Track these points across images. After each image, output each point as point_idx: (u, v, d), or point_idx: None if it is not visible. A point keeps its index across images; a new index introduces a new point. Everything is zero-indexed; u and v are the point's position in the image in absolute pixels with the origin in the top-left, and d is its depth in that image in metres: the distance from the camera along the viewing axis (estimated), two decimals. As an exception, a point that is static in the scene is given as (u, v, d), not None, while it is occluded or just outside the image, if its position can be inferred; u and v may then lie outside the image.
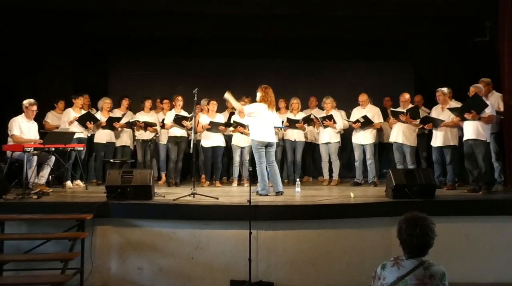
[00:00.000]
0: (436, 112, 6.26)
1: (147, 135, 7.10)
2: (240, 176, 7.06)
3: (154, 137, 7.08)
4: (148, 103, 7.32)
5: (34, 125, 6.06)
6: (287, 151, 7.20)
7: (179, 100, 6.91)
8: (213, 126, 6.84)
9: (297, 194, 5.66)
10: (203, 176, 7.12)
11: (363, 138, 6.79)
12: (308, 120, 7.15)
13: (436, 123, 6.08)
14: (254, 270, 4.45)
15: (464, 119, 5.64)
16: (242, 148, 6.93)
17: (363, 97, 6.89)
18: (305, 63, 8.62)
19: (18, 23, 6.99)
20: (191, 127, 6.58)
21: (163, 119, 7.12)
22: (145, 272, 4.69)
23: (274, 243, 4.68)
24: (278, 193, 5.57)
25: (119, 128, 7.07)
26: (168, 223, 4.74)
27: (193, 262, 4.68)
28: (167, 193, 5.61)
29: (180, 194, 5.27)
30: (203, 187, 6.68)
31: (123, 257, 4.73)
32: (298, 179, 6.21)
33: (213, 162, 7.00)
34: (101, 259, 4.70)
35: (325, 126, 6.92)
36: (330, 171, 7.12)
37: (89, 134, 6.89)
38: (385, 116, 6.91)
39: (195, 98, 5.61)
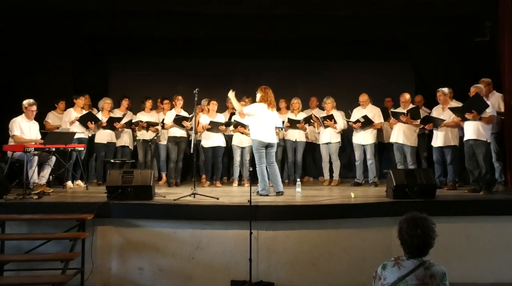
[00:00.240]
0: (436, 113, 6.26)
1: (148, 135, 7.10)
2: (240, 176, 7.06)
3: (155, 138, 7.08)
4: (148, 103, 7.31)
5: (35, 125, 6.06)
6: (287, 151, 7.20)
7: (179, 100, 6.91)
8: (213, 127, 6.84)
9: (298, 194, 5.66)
10: (203, 176, 7.12)
11: (364, 138, 6.80)
12: (309, 120, 7.15)
13: (437, 123, 6.08)
14: (254, 270, 4.45)
15: (465, 119, 5.64)
16: (243, 148, 6.93)
17: (363, 98, 6.89)
18: (305, 63, 8.61)
19: (18, 23, 6.99)
20: (191, 128, 6.60)
21: (163, 120, 7.12)
22: (145, 272, 4.69)
23: (274, 243, 4.69)
24: (279, 193, 5.58)
25: (120, 129, 7.07)
26: (168, 223, 4.74)
27: (194, 262, 4.68)
28: (168, 193, 5.61)
29: (180, 194, 5.27)
30: (204, 187, 6.69)
31: (123, 257, 4.73)
32: (298, 179, 6.22)
33: (213, 162, 6.99)
34: (102, 259, 4.70)
35: (325, 126, 6.92)
36: (331, 171, 7.13)
37: (90, 135, 6.89)
38: (386, 116, 6.92)
39: (196, 98, 5.61)
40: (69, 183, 6.49)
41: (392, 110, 6.88)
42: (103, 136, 7.00)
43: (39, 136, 6.02)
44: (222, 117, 7.07)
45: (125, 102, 7.39)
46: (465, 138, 5.71)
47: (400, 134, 6.47)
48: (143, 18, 7.43)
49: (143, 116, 7.20)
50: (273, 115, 5.73)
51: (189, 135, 7.03)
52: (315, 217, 4.79)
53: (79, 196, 5.59)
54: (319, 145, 7.23)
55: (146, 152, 7.24)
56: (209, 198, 5.13)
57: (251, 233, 4.33)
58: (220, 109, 7.27)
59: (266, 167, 5.63)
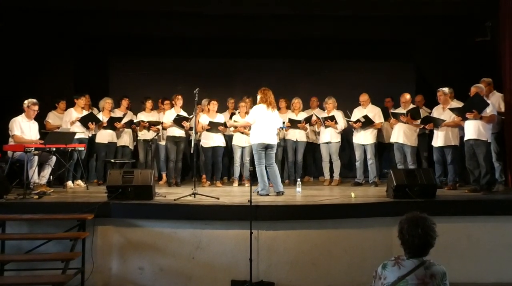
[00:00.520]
0: (437, 112, 6.26)
1: (150, 135, 7.10)
2: (241, 176, 7.06)
3: (156, 137, 7.08)
4: (149, 103, 7.31)
5: (35, 125, 6.06)
6: (288, 151, 7.20)
7: (179, 99, 6.90)
8: (213, 127, 6.84)
9: (298, 194, 5.66)
10: (204, 176, 7.12)
11: (364, 138, 6.80)
12: (309, 120, 7.15)
13: (437, 123, 6.08)
14: (255, 270, 4.46)
15: (465, 119, 5.63)
16: (243, 148, 6.93)
17: (364, 97, 6.89)
18: (305, 63, 8.62)
19: (18, 23, 6.99)
20: (191, 127, 6.59)
21: (164, 120, 7.13)
22: (146, 272, 4.69)
23: (275, 243, 4.68)
24: (279, 193, 5.58)
25: (120, 129, 7.07)
26: (169, 223, 4.74)
27: (194, 262, 4.68)
28: (168, 193, 5.61)
29: (181, 194, 5.27)
30: (204, 187, 6.69)
31: (124, 257, 4.73)
32: (299, 179, 6.21)
33: (213, 162, 6.99)
34: (102, 259, 4.70)
35: (326, 126, 6.92)
36: (331, 170, 7.13)
37: (90, 135, 6.89)
38: (386, 116, 6.92)
39: (196, 98, 5.61)
40: (70, 183, 6.49)
41: (392, 111, 6.88)
42: (104, 136, 7.00)
43: (38, 137, 6.01)
44: (222, 118, 7.06)
45: (125, 102, 7.39)
46: (465, 138, 5.71)
47: (401, 134, 6.47)
48: (143, 18, 7.43)
49: (144, 117, 7.20)
50: (273, 116, 5.71)
51: (188, 135, 7.03)
52: (315, 217, 4.79)
53: (79, 196, 5.59)
54: (319, 144, 7.23)
55: (146, 151, 7.25)
56: (209, 198, 5.13)
57: (251, 233, 4.33)
58: (220, 110, 7.27)
59: (266, 167, 5.63)
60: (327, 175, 7.19)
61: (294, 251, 4.68)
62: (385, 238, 4.68)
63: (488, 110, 5.51)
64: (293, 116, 7.13)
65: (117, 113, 7.24)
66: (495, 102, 5.96)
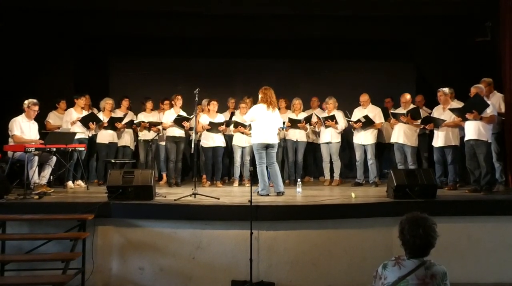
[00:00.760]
0: (437, 113, 6.26)
1: (150, 135, 7.09)
2: (241, 176, 7.06)
3: (156, 138, 7.08)
4: (149, 104, 7.31)
5: (35, 126, 6.06)
6: (288, 151, 7.20)
7: (179, 99, 6.90)
8: (213, 127, 6.84)
9: (298, 194, 5.67)
10: (204, 176, 7.12)
11: (364, 138, 6.79)
12: (309, 120, 7.15)
13: (438, 123, 6.08)
14: (255, 270, 4.45)
15: (466, 119, 5.63)
16: (243, 148, 6.93)
17: (364, 98, 6.89)
18: (305, 63, 8.62)
19: (18, 23, 6.99)
20: (190, 128, 6.59)
21: (164, 120, 7.13)
22: (146, 272, 4.69)
23: (275, 243, 4.69)
24: (279, 193, 5.57)
25: (121, 129, 7.07)
26: (169, 223, 4.74)
27: (194, 262, 4.68)
28: (168, 193, 5.62)
29: (181, 194, 5.27)
30: (204, 187, 6.69)
31: (124, 257, 4.73)
32: (299, 179, 6.21)
33: (213, 162, 6.99)
34: (102, 259, 4.71)
35: (326, 126, 6.92)
36: (331, 171, 7.12)
37: (90, 135, 6.89)
38: (386, 116, 6.91)
39: (196, 99, 5.61)
40: (70, 183, 6.49)
41: (392, 111, 6.88)
42: (105, 136, 7.00)
43: (38, 137, 6.01)
44: (222, 118, 7.06)
45: (125, 103, 7.38)
46: (466, 139, 5.71)
47: (401, 134, 6.47)
48: (143, 18, 7.43)
49: (144, 117, 7.19)
50: (274, 115, 5.70)
51: (188, 135, 7.03)
52: (315, 217, 4.79)
53: (79, 196, 5.59)
54: (319, 144, 7.23)
55: (147, 152, 7.25)
56: (209, 198, 5.13)
57: (251, 233, 4.33)
58: (221, 110, 7.27)
59: (266, 167, 5.63)
60: (327, 175, 7.19)
61: (294, 251, 4.68)
62: (385, 238, 4.68)
63: (488, 111, 5.51)
64: (294, 116, 7.12)
65: (118, 113, 7.23)
66: (496, 102, 5.96)
